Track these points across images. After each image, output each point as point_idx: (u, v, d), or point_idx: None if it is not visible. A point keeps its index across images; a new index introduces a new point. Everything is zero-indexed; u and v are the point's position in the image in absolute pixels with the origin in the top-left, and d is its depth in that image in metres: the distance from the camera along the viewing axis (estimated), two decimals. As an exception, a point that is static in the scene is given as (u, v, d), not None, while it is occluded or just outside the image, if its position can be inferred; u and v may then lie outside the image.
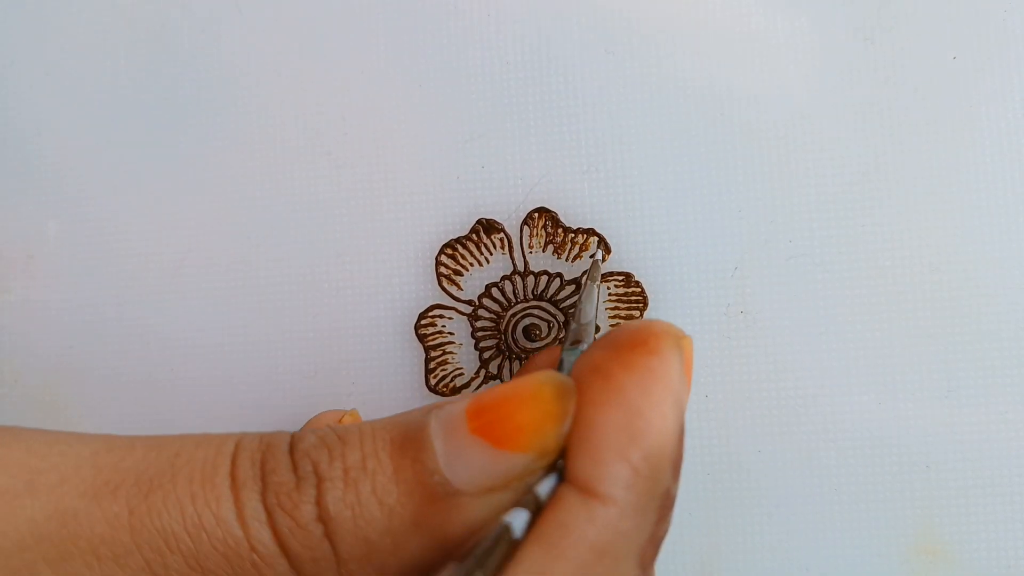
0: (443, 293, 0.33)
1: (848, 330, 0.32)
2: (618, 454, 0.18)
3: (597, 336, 0.30)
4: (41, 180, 0.36)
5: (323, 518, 0.19)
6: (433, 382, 0.33)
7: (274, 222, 0.34)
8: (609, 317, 0.33)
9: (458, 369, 0.33)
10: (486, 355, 0.33)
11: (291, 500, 0.19)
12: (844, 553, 0.32)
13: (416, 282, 0.34)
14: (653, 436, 0.18)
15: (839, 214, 0.32)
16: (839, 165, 0.32)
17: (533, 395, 0.18)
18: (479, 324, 0.33)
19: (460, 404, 0.19)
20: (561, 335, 0.33)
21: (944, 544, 0.32)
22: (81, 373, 0.35)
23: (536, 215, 0.33)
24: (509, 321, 0.33)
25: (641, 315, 0.32)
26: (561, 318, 0.33)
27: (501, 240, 0.33)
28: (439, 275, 0.33)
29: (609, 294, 0.33)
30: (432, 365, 0.33)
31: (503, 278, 0.33)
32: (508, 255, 0.33)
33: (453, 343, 0.33)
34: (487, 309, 0.33)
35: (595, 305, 0.27)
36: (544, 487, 0.19)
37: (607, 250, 0.33)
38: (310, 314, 0.34)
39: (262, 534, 0.18)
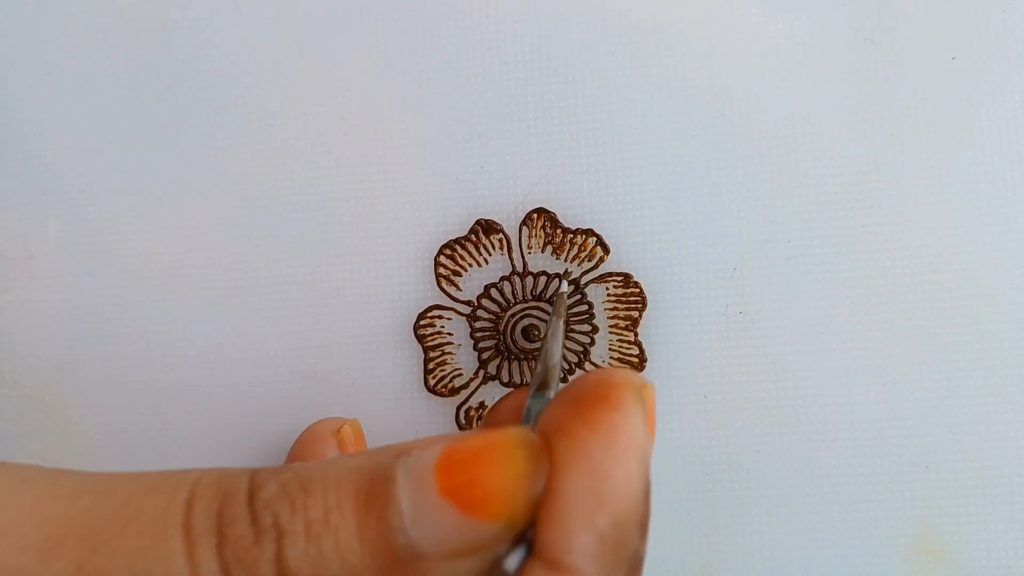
0: (442, 294, 0.33)
1: (848, 330, 0.32)
2: (585, 522, 0.17)
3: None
4: (41, 180, 0.36)
5: (283, 575, 0.18)
6: (432, 382, 0.33)
7: (274, 222, 0.34)
8: (608, 318, 0.33)
9: (457, 370, 0.33)
10: (485, 356, 0.33)
11: (250, 556, 0.17)
12: (844, 553, 0.32)
13: (415, 282, 0.34)
14: (619, 499, 0.18)
15: (839, 214, 0.32)
16: (839, 165, 0.32)
17: (506, 459, 0.18)
18: (478, 325, 0.33)
19: (430, 454, 0.18)
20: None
21: (944, 544, 0.32)
22: (81, 373, 0.35)
23: (535, 215, 0.33)
24: (508, 322, 0.33)
25: (640, 315, 0.32)
26: (560, 318, 0.33)
27: (500, 241, 0.33)
28: (438, 276, 0.33)
29: (608, 294, 0.33)
30: (431, 366, 0.33)
31: (502, 279, 0.33)
32: (507, 256, 0.33)
33: (452, 344, 0.33)
34: (486, 310, 0.33)
35: (561, 344, 0.26)
36: (513, 561, 0.18)
37: (606, 250, 0.33)
38: (309, 314, 0.34)
39: None
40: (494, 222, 0.33)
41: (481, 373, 0.33)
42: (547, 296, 0.33)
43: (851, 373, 0.32)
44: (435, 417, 0.33)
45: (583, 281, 0.33)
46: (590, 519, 0.17)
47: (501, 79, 0.34)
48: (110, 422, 0.35)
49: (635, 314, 0.32)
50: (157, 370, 0.35)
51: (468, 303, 0.33)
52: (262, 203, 0.35)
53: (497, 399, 0.33)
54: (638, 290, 0.32)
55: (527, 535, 0.18)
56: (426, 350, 0.33)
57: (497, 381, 0.33)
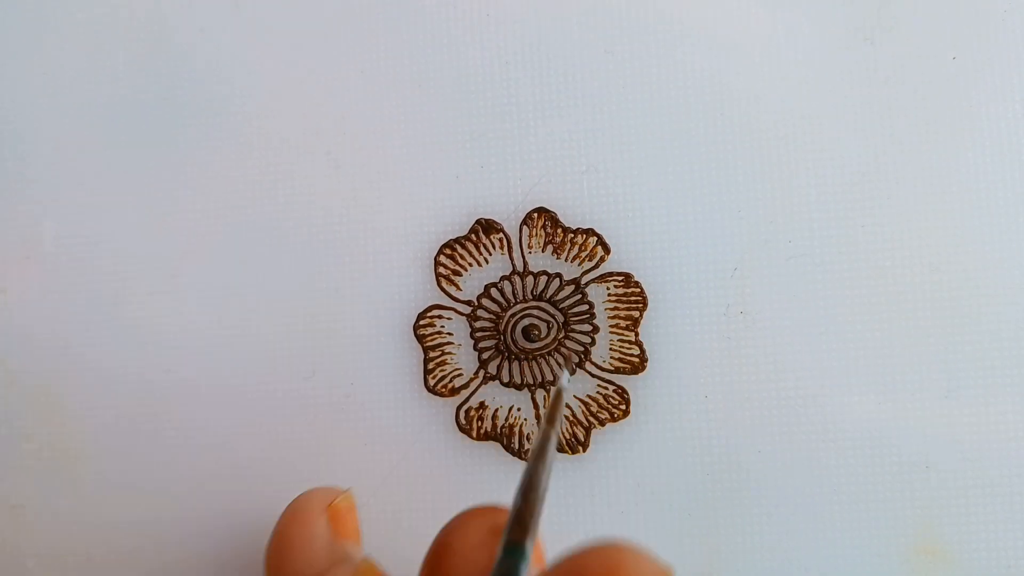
0: (442, 293, 0.33)
1: (848, 330, 0.32)
2: None
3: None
4: (37, 180, 0.35)
5: None
6: (432, 383, 0.33)
7: (272, 222, 0.34)
8: (609, 318, 0.33)
9: (457, 370, 0.33)
10: (485, 355, 0.33)
11: None
12: (844, 553, 0.32)
13: (415, 282, 0.34)
14: None
15: (839, 214, 0.32)
16: (839, 165, 0.32)
17: None
18: (478, 324, 0.33)
19: None
20: (561, 335, 0.33)
21: (944, 544, 0.32)
22: (77, 374, 0.35)
23: (535, 215, 0.33)
24: (508, 321, 0.33)
25: (640, 315, 0.32)
26: (560, 318, 0.33)
27: (500, 240, 0.33)
28: (438, 275, 0.33)
29: (609, 294, 0.33)
30: (431, 366, 0.33)
31: (502, 278, 0.33)
32: (507, 255, 0.33)
33: (452, 343, 0.33)
34: (486, 309, 0.33)
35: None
36: None
37: (607, 250, 0.32)
38: (308, 314, 0.34)
39: None
40: (494, 221, 0.33)
41: (481, 373, 0.33)
42: (548, 296, 0.33)
43: (851, 373, 0.32)
44: (435, 417, 0.33)
45: (584, 281, 0.33)
46: None
47: (501, 78, 0.34)
48: (107, 423, 0.35)
49: (636, 314, 0.32)
50: (154, 371, 0.35)
51: (468, 303, 0.33)
52: (260, 203, 0.34)
53: (497, 399, 0.33)
54: (639, 290, 0.32)
55: None
56: (426, 350, 0.33)
57: (497, 381, 0.33)
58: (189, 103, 0.35)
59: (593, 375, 0.33)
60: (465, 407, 0.33)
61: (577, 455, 0.33)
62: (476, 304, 0.33)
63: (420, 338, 0.33)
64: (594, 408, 0.33)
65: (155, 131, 0.35)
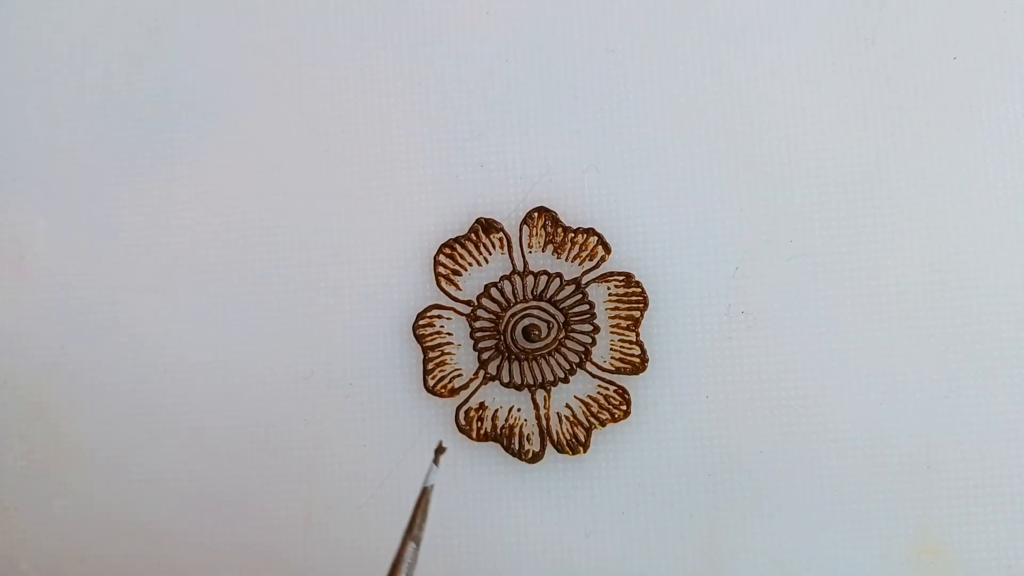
0: (442, 293, 0.33)
1: (848, 330, 0.32)
2: None
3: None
4: (32, 178, 0.35)
5: None
6: (431, 383, 0.33)
7: (270, 221, 0.34)
8: (610, 317, 0.32)
9: (456, 370, 0.33)
10: (485, 355, 0.33)
11: None
12: (844, 553, 0.32)
13: (414, 282, 0.34)
14: None
15: (839, 214, 0.32)
16: (839, 165, 0.32)
17: None
18: (478, 324, 0.33)
19: None
20: (561, 335, 0.32)
21: (944, 544, 0.32)
22: (72, 374, 0.35)
23: (536, 214, 0.33)
24: (508, 321, 0.33)
25: (641, 315, 0.32)
26: (561, 318, 0.33)
27: (500, 240, 0.33)
28: (437, 275, 0.33)
29: (609, 294, 0.33)
30: (430, 366, 0.33)
31: (502, 278, 0.33)
32: (507, 255, 0.33)
33: (452, 343, 0.33)
34: (486, 309, 0.33)
35: None
36: None
37: (607, 250, 0.32)
38: (307, 314, 0.34)
39: None
40: (494, 221, 0.33)
41: (481, 373, 0.33)
42: (548, 296, 0.33)
43: (851, 373, 0.32)
44: (434, 418, 0.33)
45: (584, 281, 0.33)
46: None
47: (502, 77, 0.34)
48: (102, 423, 0.34)
49: (636, 314, 0.32)
50: (150, 370, 0.34)
51: (468, 303, 0.33)
52: (258, 202, 0.34)
53: (497, 400, 0.32)
54: (639, 290, 0.32)
55: None
56: (425, 350, 0.33)
57: (497, 381, 0.33)
58: (185, 102, 0.35)
59: (594, 375, 0.32)
60: (465, 407, 0.33)
61: (577, 456, 0.32)
62: (476, 304, 0.33)
63: (419, 338, 0.33)
64: (594, 408, 0.32)
65: (150, 130, 0.35)
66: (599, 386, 0.32)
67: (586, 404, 0.33)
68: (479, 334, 0.33)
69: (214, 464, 0.34)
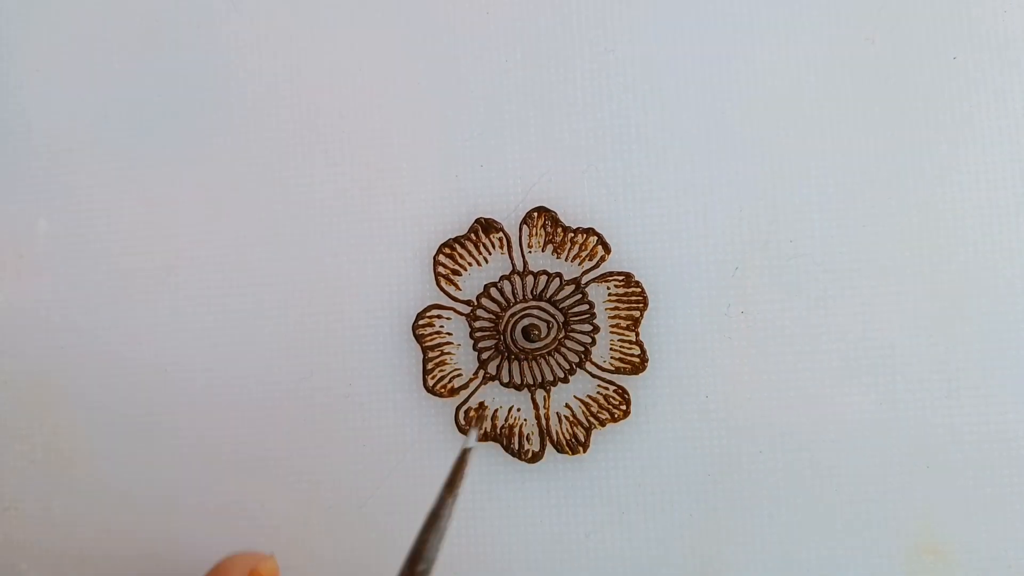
0: (441, 293, 0.33)
1: (848, 330, 0.32)
2: None
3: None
4: (32, 179, 0.35)
5: None
6: (431, 383, 0.33)
7: (269, 221, 0.34)
8: (609, 317, 0.32)
9: (456, 370, 0.33)
10: (484, 356, 0.33)
11: None
12: (844, 553, 0.32)
13: (414, 282, 0.34)
14: None
15: (839, 214, 0.32)
16: (840, 165, 0.32)
17: None
18: (478, 324, 0.33)
19: None
20: (561, 335, 0.32)
21: (944, 544, 0.32)
22: (71, 374, 0.35)
23: (535, 214, 0.33)
24: (508, 321, 0.33)
25: (641, 315, 0.32)
26: (561, 318, 0.33)
27: (500, 240, 0.33)
28: (437, 275, 0.33)
29: (609, 294, 0.33)
30: (430, 366, 0.33)
31: (502, 278, 0.33)
32: (507, 255, 0.33)
33: (451, 343, 0.33)
34: (486, 309, 0.33)
35: (445, 531, 0.19)
36: None
37: (607, 250, 0.32)
38: (306, 314, 0.34)
39: None
40: (494, 221, 0.33)
41: (481, 373, 0.33)
42: (548, 296, 0.33)
43: (851, 373, 0.32)
44: (434, 418, 0.33)
45: (584, 280, 0.33)
46: None
47: (501, 77, 0.34)
48: (101, 423, 0.34)
49: (636, 314, 0.32)
50: (150, 371, 0.34)
51: (468, 303, 0.33)
52: (257, 202, 0.34)
53: (497, 399, 0.32)
54: (639, 289, 0.32)
55: None
56: (425, 350, 0.33)
57: (497, 381, 0.33)
58: (186, 101, 0.35)
59: (593, 375, 0.32)
60: (464, 407, 0.33)
61: (577, 455, 0.32)
62: (476, 304, 0.33)
63: (419, 338, 0.33)
64: (594, 408, 0.32)
65: (151, 129, 0.35)
66: (599, 386, 0.32)
67: (586, 404, 0.33)
68: (479, 334, 0.33)
69: (214, 464, 0.34)
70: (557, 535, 0.33)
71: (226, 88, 0.34)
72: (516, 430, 0.33)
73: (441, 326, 0.33)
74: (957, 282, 0.32)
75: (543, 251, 0.33)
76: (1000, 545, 0.31)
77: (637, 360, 0.32)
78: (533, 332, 0.32)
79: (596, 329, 0.32)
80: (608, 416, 0.32)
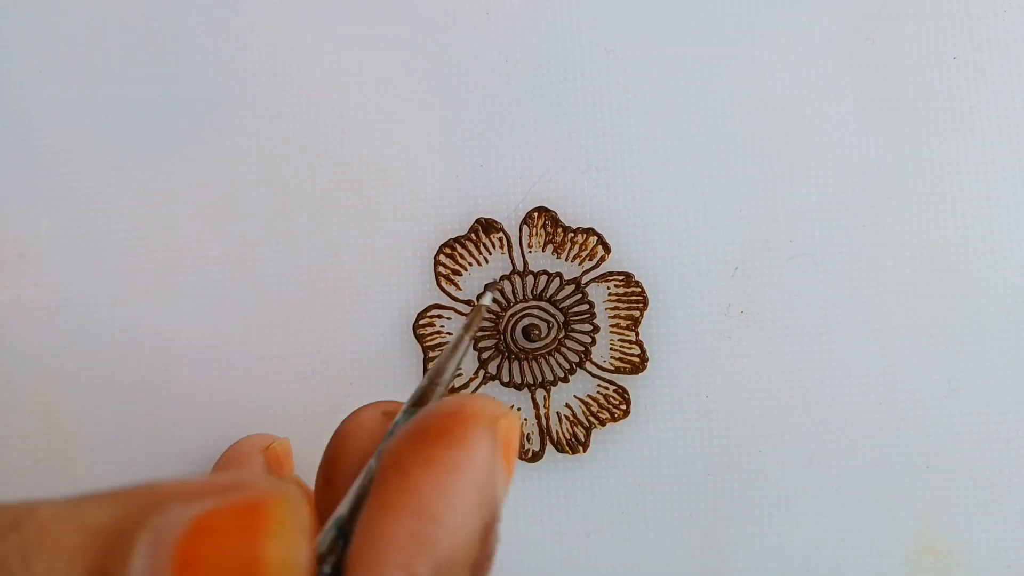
0: (442, 293, 0.33)
1: (848, 330, 0.32)
2: (402, 568, 0.15)
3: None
4: (33, 177, 0.35)
5: None
6: (431, 382, 0.33)
7: (270, 221, 0.34)
8: (609, 317, 0.32)
9: (456, 369, 0.33)
10: (485, 355, 0.33)
11: None
12: (844, 553, 0.32)
13: (414, 282, 0.34)
14: (446, 543, 0.16)
15: (839, 214, 0.32)
16: (839, 165, 0.32)
17: (251, 554, 0.14)
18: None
19: (184, 516, 0.15)
20: (561, 335, 0.32)
21: (944, 544, 0.32)
22: (73, 373, 0.35)
23: (535, 214, 0.33)
24: (508, 321, 0.33)
25: (641, 315, 0.32)
26: (561, 318, 0.33)
27: (500, 240, 0.33)
28: (438, 275, 0.33)
29: (609, 294, 0.33)
30: (431, 365, 0.33)
31: (502, 278, 0.33)
32: (507, 255, 0.33)
33: (452, 343, 0.33)
34: (486, 309, 0.33)
35: (459, 362, 0.23)
36: None
37: (607, 250, 0.32)
38: (307, 314, 0.34)
39: None
40: (494, 221, 0.33)
41: (481, 373, 0.33)
42: (548, 295, 0.33)
43: (851, 373, 0.32)
44: (434, 417, 0.33)
45: (584, 280, 0.33)
46: (408, 565, 0.16)
47: (501, 78, 0.34)
48: (103, 422, 0.35)
49: (636, 313, 0.32)
50: (151, 371, 0.34)
51: (468, 302, 0.33)
52: (258, 202, 0.34)
53: (496, 398, 0.32)
54: (639, 289, 0.32)
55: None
56: (425, 350, 0.33)
57: (497, 381, 0.33)
58: (186, 102, 0.35)
59: (593, 375, 0.32)
60: (465, 407, 0.33)
61: (577, 455, 0.32)
62: (476, 303, 0.33)
63: (420, 338, 0.33)
64: (594, 408, 0.32)
65: (152, 130, 0.35)
66: (599, 386, 0.33)
67: (586, 404, 0.33)
68: (479, 334, 0.33)
69: (213, 464, 0.34)
70: (557, 535, 0.33)
71: (227, 88, 0.35)
72: (516, 430, 0.33)
73: (442, 326, 0.33)
74: (957, 282, 0.32)
75: (543, 251, 0.33)
76: (1000, 545, 0.31)
77: (637, 360, 0.32)
78: (533, 332, 0.32)
79: (596, 329, 0.32)
80: (608, 416, 0.32)
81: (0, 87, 0.35)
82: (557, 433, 0.33)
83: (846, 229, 0.32)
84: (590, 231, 0.33)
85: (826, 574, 0.32)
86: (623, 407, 0.32)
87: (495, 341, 0.33)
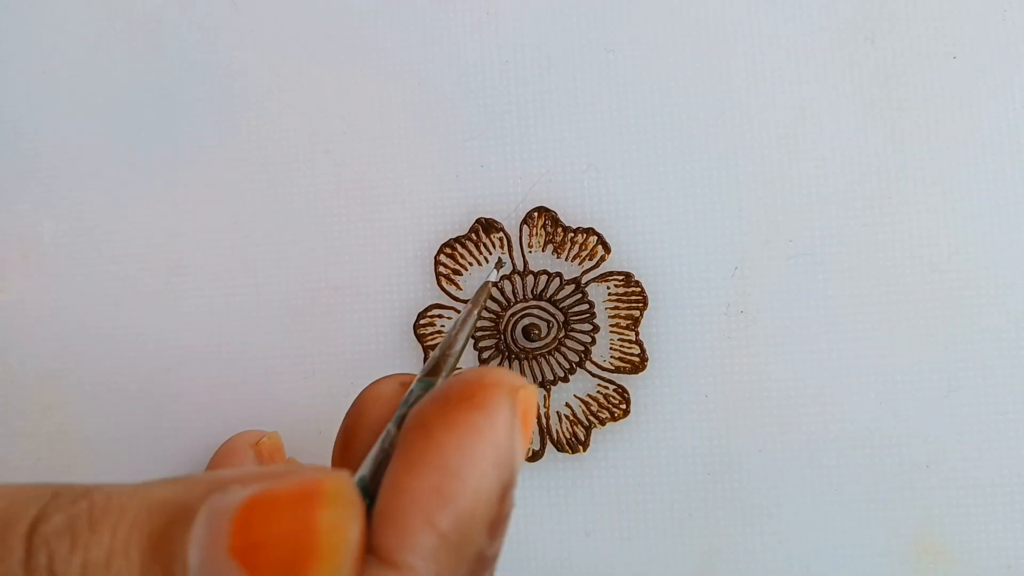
0: (442, 293, 0.33)
1: (848, 330, 0.32)
2: (424, 520, 0.17)
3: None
4: (37, 179, 0.35)
5: None
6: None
7: (272, 221, 0.34)
8: (609, 317, 0.33)
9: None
10: (485, 355, 0.33)
11: None
12: (844, 553, 0.32)
13: (415, 282, 0.34)
14: (466, 498, 0.17)
15: (839, 214, 0.32)
16: (839, 165, 0.32)
17: (304, 524, 0.16)
18: (478, 324, 0.33)
19: (238, 496, 0.16)
20: (561, 335, 0.33)
21: (944, 544, 0.32)
22: (76, 373, 0.35)
23: (536, 214, 0.33)
24: (508, 321, 0.33)
25: (641, 315, 0.32)
26: (561, 318, 0.33)
27: (500, 239, 0.33)
28: (438, 275, 0.33)
29: (609, 293, 0.33)
30: (431, 365, 0.33)
31: (502, 277, 0.33)
32: (507, 255, 0.33)
33: (452, 343, 0.33)
34: (486, 309, 0.33)
35: (468, 335, 0.25)
36: None
37: (607, 249, 0.32)
38: (308, 314, 0.34)
39: None
40: (494, 221, 0.33)
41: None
42: (548, 295, 0.33)
43: (851, 373, 0.32)
44: (435, 417, 0.33)
45: (584, 280, 0.33)
46: (430, 517, 0.17)
47: (501, 78, 0.34)
48: (106, 422, 0.35)
49: (636, 313, 0.32)
50: (154, 370, 0.35)
51: (468, 302, 0.33)
52: (260, 203, 0.34)
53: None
54: (639, 289, 0.32)
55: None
56: (426, 349, 0.33)
57: (497, 381, 0.33)
58: (189, 102, 0.35)
59: (593, 375, 0.33)
60: (465, 407, 0.33)
61: (577, 455, 0.33)
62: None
63: (420, 337, 0.33)
64: (594, 407, 0.33)
65: (154, 130, 0.35)
66: (599, 385, 0.33)
67: (586, 403, 0.33)
68: (479, 333, 0.33)
69: (210, 461, 0.34)
70: (557, 535, 0.33)
71: (229, 89, 0.35)
72: (516, 429, 0.33)
73: (442, 325, 0.33)
74: (957, 282, 0.32)
75: (543, 251, 0.33)
76: (1000, 545, 0.31)
77: (637, 359, 0.32)
78: (533, 332, 0.33)
79: (596, 329, 0.32)
80: (608, 415, 0.32)
81: (2, 88, 0.36)
82: (557, 432, 0.33)
83: (846, 229, 0.32)
84: (590, 231, 0.33)
85: (826, 574, 0.32)
86: (623, 407, 0.32)
87: (495, 341, 0.33)
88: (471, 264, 0.33)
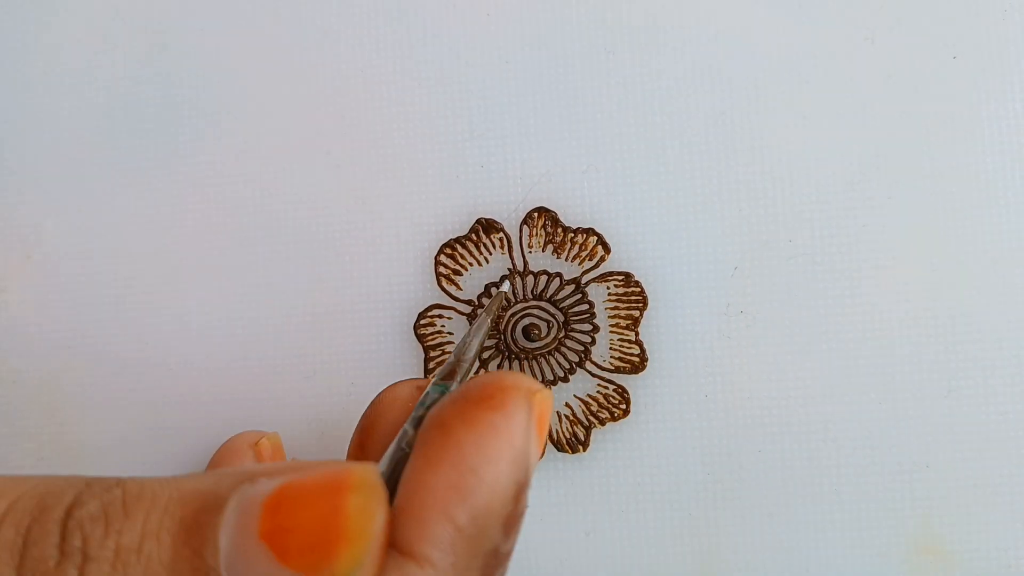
0: (442, 293, 0.33)
1: (848, 330, 0.32)
2: (442, 513, 0.17)
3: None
4: (38, 179, 0.35)
5: None
6: (432, 382, 0.33)
7: (272, 222, 0.34)
8: (609, 317, 0.33)
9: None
10: (485, 355, 0.33)
11: None
12: (844, 553, 0.32)
13: (415, 282, 0.34)
14: (483, 494, 0.18)
15: (839, 214, 0.32)
16: (839, 165, 0.32)
17: (332, 509, 0.16)
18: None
19: (267, 486, 0.17)
20: (561, 335, 0.33)
21: (944, 544, 0.32)
22: (78, 373, 0.35)
23: (536, 215, 0.33)
24: (508, 321, 0.33)
25: (641, 315, 0.32)
26: (561, 318, 0.33)
27: (500, 240, 0.33)
28: (438, 275, 0.33)
29: (609, 293, 0.33)
30: (431, 365, 0.33)
31: (502, 278, 0.33)
32: (507, 255, 0.33)
33: (453, 343, 0.33)
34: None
35: (482, 341, 0.26)
36: None
37: (607, 250, 0.33)
38: (309, 314, 0.34)
39: None
40: (495, 221, 0.33)
41: (481, 372, 0.33)
42: (548, 295, 0.33)
43: (851, 373, 0.32)
44: (435, 417, 0.33)
45: (584, 280, 0.33)
46: (448, 511, 0.17)
47: (501, 78, 0.34)
48: (107, 422, 0.35)
49: (636, 313, 0.32)
50: (155, 370, 0.35)
51: (468, 302, 0.33)
52: (260, 203, 0.34)
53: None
54: (639, 289, 0.32)
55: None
56: (426, 349, 0.33)
57: (497, 381, 0.33)
58: (189, 103, 0.35)
59: (593, 374, 0.33)
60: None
61: (577, 454, 0.33)
62: (476, 303, 0.33)
63: (420, 337, 0.33)
64: (594, 407, 0.33)
65: (155, 131, 0.35)
66: (599, 385, 0.33)
67: (586, 403, 0.33)
68: (479, 334, 0.33)
69: (210, 461, 0.34)
70: (557, 534, 0.33)
71: (229, 90, 0.35)
72: (516, 429, 0.33)
73: (442, 326, 0.33)
74: (957, 282, 0.32)
75: (543, 251, 0.33)
76: (1000, 545, 0.31)
77: (637, 359, 0.32)
78: (533, 332, 0.33)
79: (596, 329, 0.32)
80: (608, 415, 0.32)
81: (4, 88, 0.36)
82: (557, 432, 0.33)
83: (846, 229, 0.32)
84: (590, 231, 0.33)
85: (826, 574, 0.32)
86: (623, 407, 0.32)
87: (495, 341, 0.33)
88: (471, 264, 0.33)
